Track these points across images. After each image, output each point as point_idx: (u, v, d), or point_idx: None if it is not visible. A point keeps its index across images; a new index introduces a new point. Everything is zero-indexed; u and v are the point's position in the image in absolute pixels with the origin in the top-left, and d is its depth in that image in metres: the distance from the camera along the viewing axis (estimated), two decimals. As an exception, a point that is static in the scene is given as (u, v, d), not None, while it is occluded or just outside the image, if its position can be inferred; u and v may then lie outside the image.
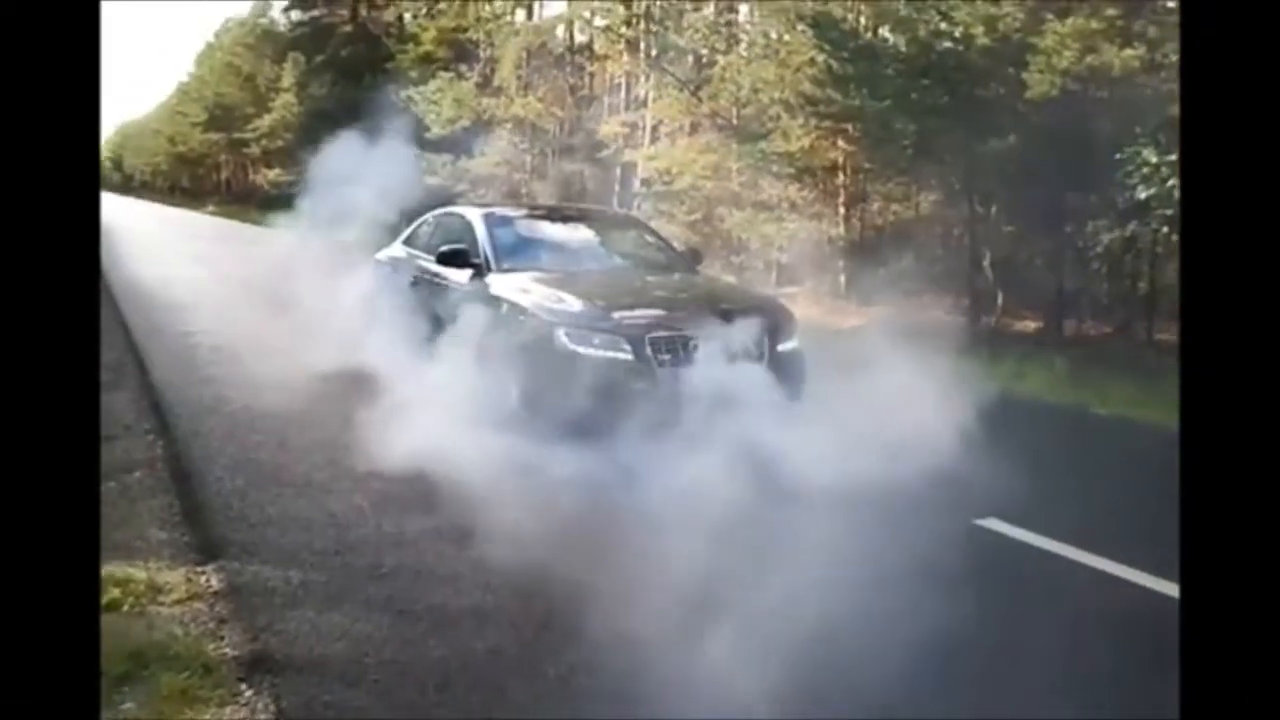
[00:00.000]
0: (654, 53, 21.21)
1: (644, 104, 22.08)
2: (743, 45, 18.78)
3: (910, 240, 15.15)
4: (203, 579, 4.20)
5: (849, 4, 15.79)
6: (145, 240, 25.02)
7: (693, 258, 8.74)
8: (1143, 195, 9.96)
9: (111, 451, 5.83)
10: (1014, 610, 4.18)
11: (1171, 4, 10.69)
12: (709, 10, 20.53)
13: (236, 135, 45.27)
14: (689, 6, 21.25)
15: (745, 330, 6.22)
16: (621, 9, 22.47)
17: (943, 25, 12.54)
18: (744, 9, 19.78)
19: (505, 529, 4.73)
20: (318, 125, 20.61)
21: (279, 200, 21.20)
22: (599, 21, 24.29)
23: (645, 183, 20.41)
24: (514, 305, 6.65)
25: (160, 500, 5.19)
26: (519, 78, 25.38)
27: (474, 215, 8.03)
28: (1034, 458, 5.63)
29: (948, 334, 9.99)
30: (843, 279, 15.94)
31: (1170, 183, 9.32)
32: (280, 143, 38.40)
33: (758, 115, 16.85)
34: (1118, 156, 10.10)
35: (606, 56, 23.98)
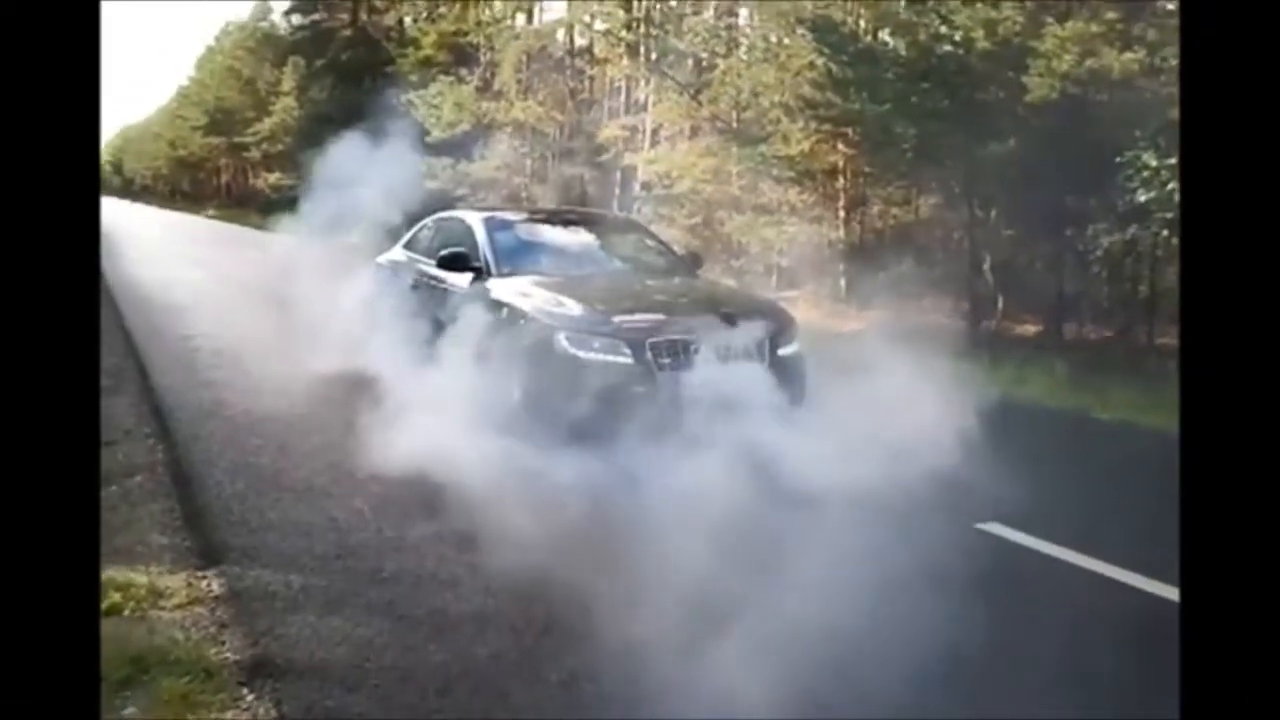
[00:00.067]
0: (654, 56, 21.22)
1: (644, 108, 22.09)
2: (743, 49, 18.79)
3: (910, 244, 15.15)
4: (203, 584, 4.20)
5: (849, 8, 15.80)
6: (146, 244, 25.02)
7: (693, 261, 8.75)
8: (1143, 198, 9.96)
9: (112, 456, 5.84)
10: (1014, 615, 4.17)
11: (1171, 7, 10.70)
12: (709, 14, 20.55)
13: (237, 139, 45.30)
14: (689, 10, 21.28)
15: (746, 334, 6.22)
16: (621, 13, 22.49)
17: (943, 29, 12.55)
18: (744, 13, 19.80)
19: (506, 533, 4.73)
20: (318, 129, 20.62)
21: (279, 204, 21.19)
22: (599, 25, 24.30)
23: (645, 186, 20.41)
24: (514, 309, 6.65)
25: (161, 505, 5.19)
26: (519, 81, 25.39)
27: (474, 219, 8.04)
28: (1035, 462, 5.63)
29: (948, 338, 9.98)
30: (843, 283, 15.94)
31: (1170, 186, 9.32)
32: (280, 147, 38.42)
33: (758, 119, 16.85)
34: (1118, 160, 10.10)
35: (606, 60, 23.98)
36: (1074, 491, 5.79)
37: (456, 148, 22.50)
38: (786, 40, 16.55)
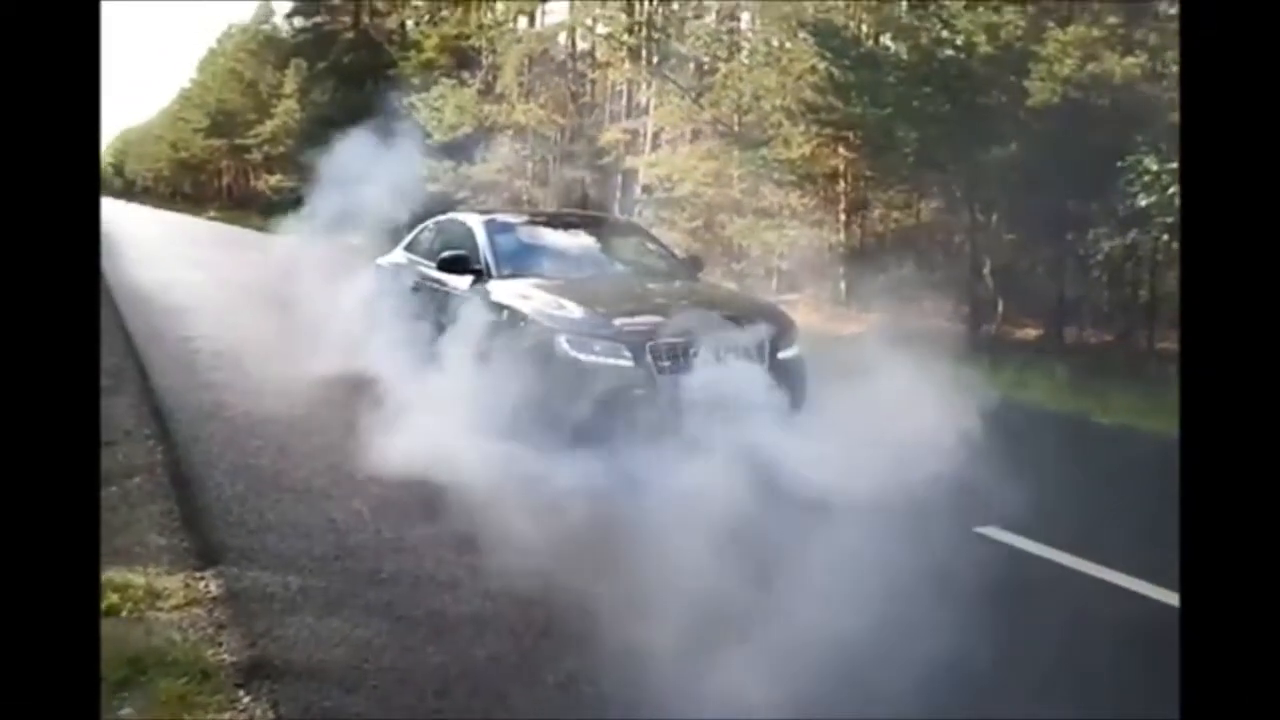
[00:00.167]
0: (655, 60, 21.24)
1: (645, 111, 22.10)
2: (744, 53, 18.81)
3: (911, 248, 15.16)
4: (201, 584, 4.20)
5: (851, 12, 15.81)
6: (146, 245, 25.03)
7: (693, 264, 8.75)
8: (1144, 203, 9.97)
9: (111, 456, 5.84)
10: (1011, 619, 4.16)
11: (1173, 11, 10.70)
12: (710, 18, 20.56)
13: (238, 141, 45.38)
14: (691, 14, 21.30)
15: (746, 337, 6.22)
16: (623, 17, 22.51)
17: (944, 33, 12.56)
18: (745, 16, 19.80)
19: (505, 535, 4.73)
20: (320, 131, 20.66)
21: (280, 206, 21.20)
22: (601, 29, 24.33)
23: (646, 189, 20.42)
24: (515, 312, 6.65)
25: (160, 505, 5.19)
26: (521, 84, 25.41)
27: (475, 221, 8.04)
28: (1034, 466, 5.61)
29: (948, 341, 9.97)
30: (843, 286, 15.94)
31: (1171, 190, 9.32)
32: (282, 149, 38.46)
33: (759, 122, 16.85)
34: (1119, 164, 10.11)
35: (608, 64, 24.01)
36: (1074, 495, 5.78)
37: (458, 150, 22.50)
38: (788, 44, 16.56)
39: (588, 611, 3.99)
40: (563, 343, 6.19)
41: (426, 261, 8.13)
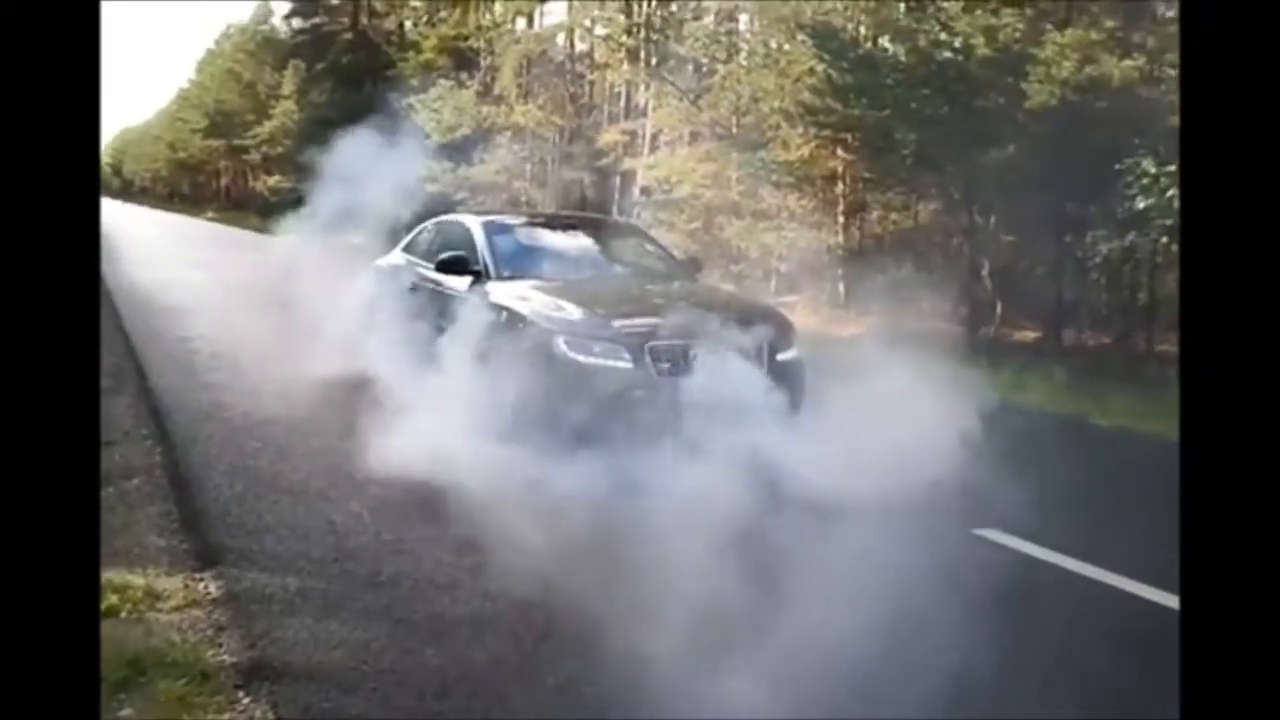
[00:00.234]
0: (654, 61, 21.26)
1: (644, 112, 22.12)
2: (743, 54, 18.81)
3: (909, 249, 15.18)
4: (201, 586, 4.19)
5: (849, 14, 15.82)
6: (145, 246, 25.02)
7: (692, 266, 8.76)
8: (1142, 205, 9.99)
9: (110, 457, 5.83)
10: (1011, 621, 4.16)
11: (1171, 14, 10.72)
12: (709, 20, 20.58)
13: (236, 142, 45.38)
14: (689, 16, 21.31)
15: (744, 339, 6.21)
16: (622, 18, 22.54)
17: (943, 35, 12.59)
18: (744, 18, 19.82)
19: (504, 537, 4.73)
20: (318, 132, 20.67)
21: (279, 207, 21.20)
22: (599, 30, 24.36)
23: (645, 191, 20.43)
24: (513, 313, 6.65)
25: (158, 507, 5.18)
26: (519, 86, 25.44)
27: (474, 223, 8.04)
28: (1034, 468, 5.61)
29: (947, 343, 10.00)
30: (842, 288, 15.96)
31: (1169, 193, 9.34)
32: (280, 149, 38.45)
33: (757, 124, 16.87)
34: (1117, 167, 10.12)
35: (607, 65, 24.02)
36: (1073, 498, 5.78)
37: (456, 151, 22.50)
38: (786, 46, 16.58)
39: (588, 614, 3.99)
40: (561, 344, 6.18)
41: (425, 263, 8.13)
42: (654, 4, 21.94)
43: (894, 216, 17.12)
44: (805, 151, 15.84)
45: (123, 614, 3.85)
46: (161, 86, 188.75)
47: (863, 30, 15.89)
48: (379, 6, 35.55)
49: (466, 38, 27.88)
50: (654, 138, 21.64)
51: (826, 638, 3.60)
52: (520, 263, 7.46)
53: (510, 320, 6.62)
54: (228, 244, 27.49)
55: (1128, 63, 10.75)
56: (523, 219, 9.56)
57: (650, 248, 8.75)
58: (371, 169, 8.67)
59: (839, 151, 15.96)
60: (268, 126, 40.85)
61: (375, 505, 5.28)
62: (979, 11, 11.96)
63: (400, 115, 16.73)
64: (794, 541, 4.69)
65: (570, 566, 4.50)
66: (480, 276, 7.32)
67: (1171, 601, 4.05)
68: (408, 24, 33.74)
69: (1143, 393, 9.15)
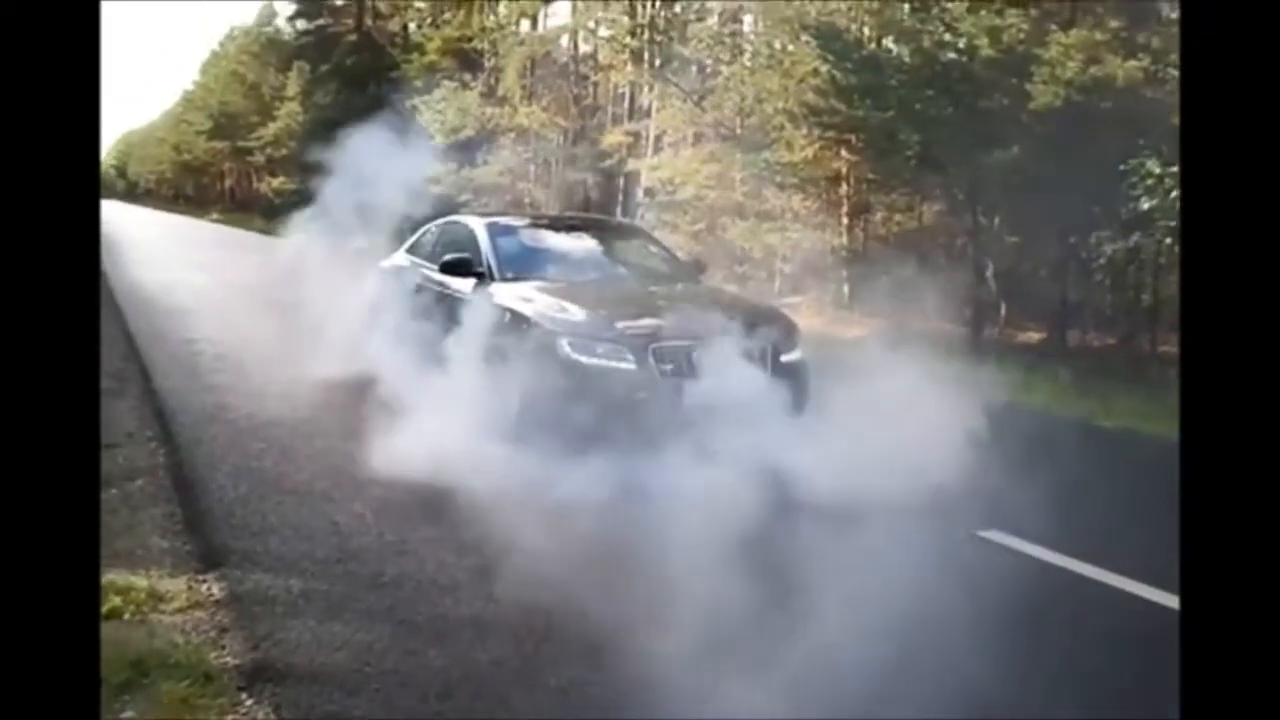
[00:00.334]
0: (658, 63, 21.26)
1: (648, 114, 22.10)
2: (746, 56, 18.81)
3: (914, 251, 15.14)
4: (204, 587, 4.19)
5: (853, 15, 15.82)
6: (149, 247, 25.05)
7: (696, 267, 8.75)
8: (1146, 206, 9.98)
9: (113, 459, 5.83)
10: (1014, 622, 4.15)
11: (1175, 15, 10.70)
12: (713, 21, 20.58)
13: (241, 143, 45.42)
14: (693, 17, 21.31)
15: (748, 341, 6.21)
16: (626, 19, 22.54)
17: (947, 36, 12.58)
18: (748, 19, 19.82)
19: (507, 538, 4.73)
20: (322, 133, 20.71)
21: (283, 208, 21.22)
22: (603, 32, 24.37)
23: (649, 192, 20.43)
24: (517, 314, 6.65)
25: (162, 508, 5.18)
26: (523, 87, 25.44)
27: (477, 224, 8.04)
28: (1037, 470, 5.60)
29: (951, 345, 9.99)
30: (846, 289, 15.95)
31: (1174, 194, 9.32)
32: (284, 151, 38.51)
33: (761, 125, 16.87)
34: (1121, 168, 10.11)
35: (610, 66, 24.03)
36: (1077, 499, 5.76)
37: (460, 153, 22.51)
38: (790, 47, 16.57)
39: (591, 615, 3.99)
40: (565, 345, 6.18)
41: (429, 264, 8.14)
42: (658, 5, 21.94)
43: (898, 217, 17.10)
44: (809, 153, 15.83)
45: (126, 615, 3.85)
46: (166, 88, 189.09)
47: (867, 31, 15.88)
48: (383, 8, 35.61)
49: (470, 39, 27.90)
50: (658, 139, 21.64)
51: (828, 639, 3.60)
52: (524, 264, 7.46)
53: (514, 321, 6.62)
54: (232, 245, 27.51)
55: (1132, 63, 10.73)
56: (526, 220, 9.56)
57: (654, 249, 8.75)
58: (376, 170, 8.67)
59: (843, 152, 15.95)
60: (272, 128, 40.91)
61: (379, 506, 5.28)
62: (983, 12, 11.95)
63: (405, 116, 16.76)
64: (797, 543, 4.68)
65: (573, 568, 4.50)
66: (484, 278, 7.32)
67: (1175, 602, 4.04)
68: (412, 26, 33.80)
69: (1147, 394, 9.13)
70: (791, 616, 3.93)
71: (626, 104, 23.87)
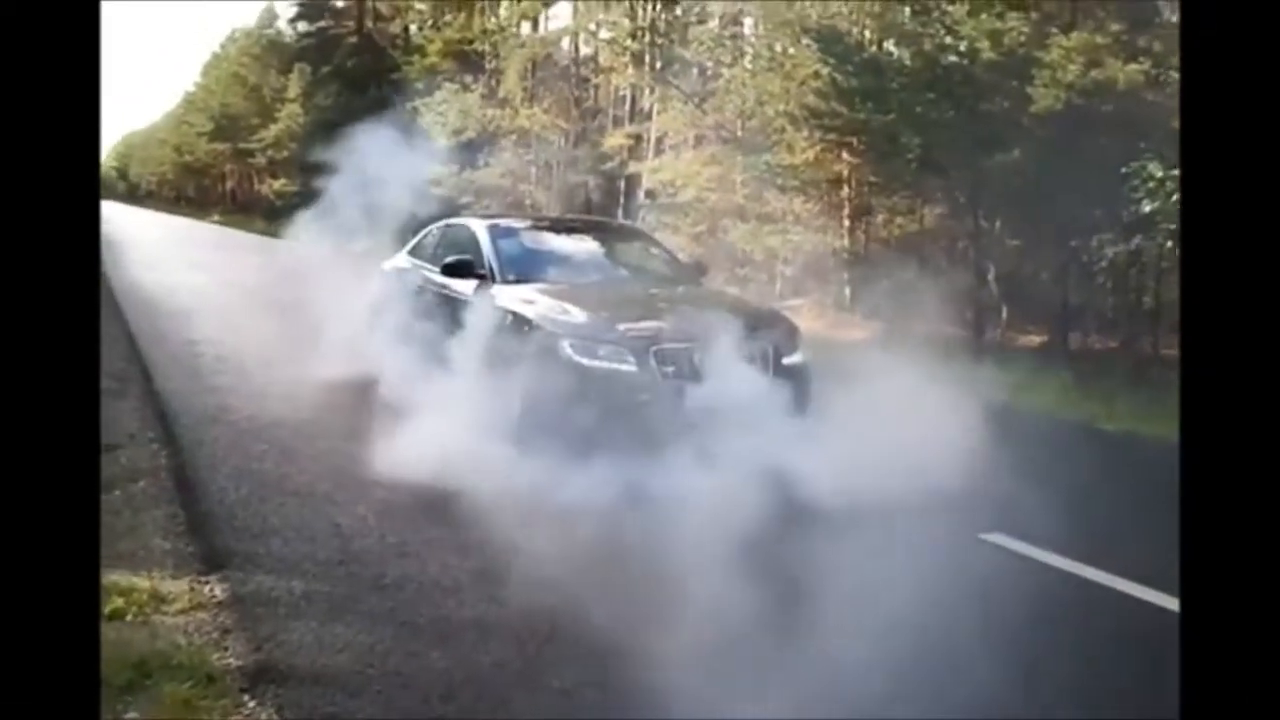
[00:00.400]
0: (659, 65, 21.27)
1: (649, 116, 22.12)
2: (748, 58, 18.81)
3: (915, 253, 15.15)
4: (206, 589, 4.20)
5: (854, 18, 15.82)
6: (150, 249, 25.06)
7: (697, 270, 8.75)
8: (1148, 209, 9.98)
9: (116, 461, 5.84)
10: (1016, 626, 4.16)
11: (1176, 19, 10.70)
12: (713, 23, 20.59)
13: (242, 145, 45.42)
14: (694, 19, 21.32)
15: (750, 343, 6.21)
16: (627, 22, 22.56)
17: (948, 39, 12.58)
18: (748, 22, 19.83)
19: (508, 540, 4.73)
20: (323, 135, 20.71)
21: (284, 210, 21.23)
22: (604, 34, 24.39)
23: (650, 195, 20.44)
24: (518, 316, 6.65)
25: (164, 510, 5.18)
26: (524, 89, 25.46)
27: (479, 226, 8.04)
28: (1040, 472, 5.61)
29: (952, 347, 9.99)
30: (847, 292, 15.94)
31: (1175, 197, 9.31)
32: (285, 153, 38.52)
33: (762, 128, 16.86)
34: (1123, 171, 10.11)
35: (611, 69, 24.04)
36: (1079, 502, 5.76)
37: (462, 154, 22.51)
38: (791, 50, 16.57)
39: (593, 617, 3.99)
40: (566, 347, 6.18)
41: (430, 266, 8.14)
42: (659, 8, 21.96)
43: (899, 220, 17.09)
44: (810, 155, 15.83)
45: (128, 617, 3.86)
46: (167, 90, 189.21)
47: (868, 34, 15.89)
48: (384, 10, 35.67)
49: (471, 41, 27.92)
50: (659, 141, 21.64)
51: (829, 640, 3.60)
52: (525, 266, 7.46)
53: (515, 323, 6.62)
54: (233, 247, 27.52)
55: (1133, 66, 10.73)
56: (528, 222, 9.57)
57: (655, 251, 8.75)
58: (377, 172, 8.68)
59: (844, 155, 15.95)
60: (273, 130, 40.92)
61: (381, 508, 5.28)
62: (984, 15, 11.95)
63: (406, 118, 16.78)
64: (799, 545, 4.69)
65: (575, 570, 4.50)
66: (486, 280, 7.32)
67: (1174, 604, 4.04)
68: (413, 28, 33.84)
69: (1149, 396, 9.13)
70: (792, 618, 3.93)
71: (628, 106, 23.89)
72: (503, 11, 28.02)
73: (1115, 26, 11.20)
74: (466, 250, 7.69)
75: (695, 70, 20.22)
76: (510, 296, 6.94)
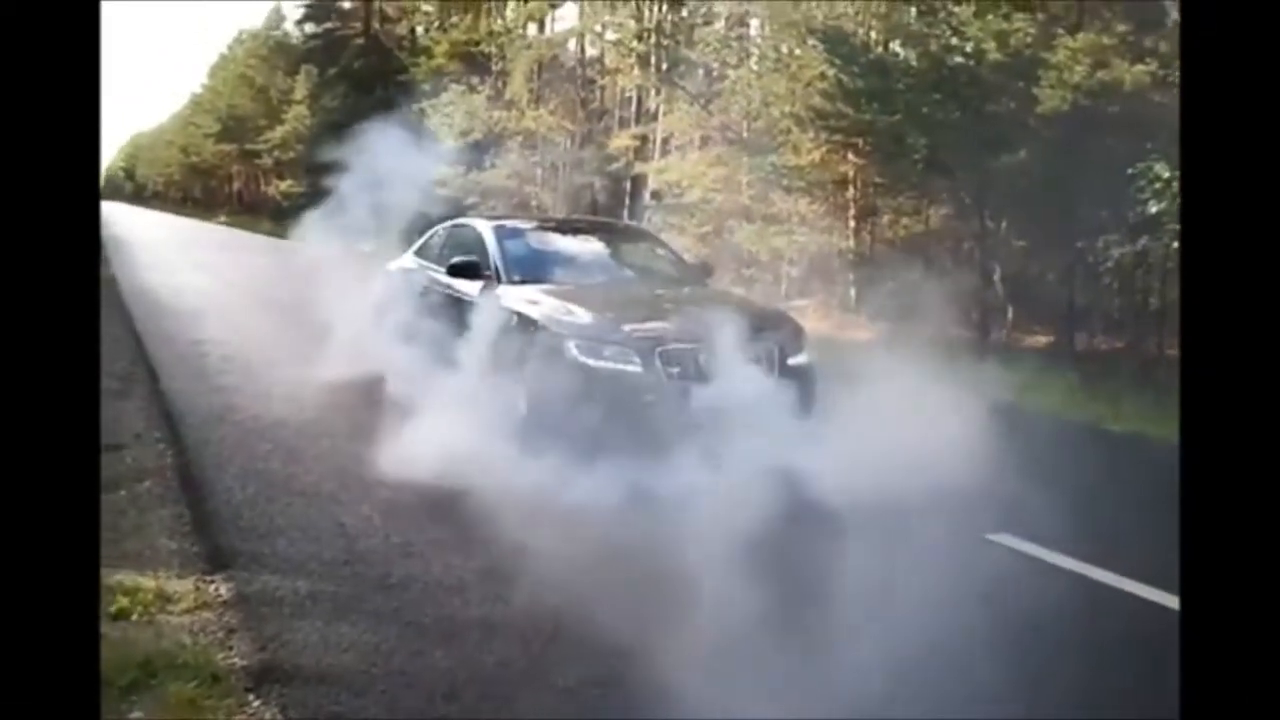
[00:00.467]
0: (665, 66, 21.26)
1: (655, 117, 22.14)
2: (753, 59, 18.81)
3: (921, 254, 15.13)
4: (211, 588, 4.20)
5: (860, 19, 15.81)
6: (157, 249, 25.12)
7: (703, 270, 8.74)
8: (1154, 210, 9.95)
9: (121, 460, 5.85)
10: (1020, 624, 4.15)
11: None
12: (720, 25, 20.59)
13: (249, 146, 45.51)
14: (700, 21, 21.33)
15: (755, 343, 6.21)
16: (633, 23, 22.57)
17: (954, 40, 12.56)
18: (754, 23, 19.83)
19: (513, 540, 4.73)
20: (330, 136, 20.74)
21: (291, 211, 21.26)
22: (610, 35, 24.40)
23: (655, 195, 20.45)
24: (524, 317, 6.65)
25: (169, 509, 5.19)
26: (530, 91, 25.49)
27: (485, 227, 8.05)
28: (1046, 473, 5.60)
29: (958, 348, 9.98)
30: (853, 292, 15.93)
31: (1181, 198, 9.29)
32: (292, 154, 38.60)
33: (768, 129, 16.85)
34: (1129, 171, 10.09)
35: (618, 70, 24.04)
36: (1085, 503, 5.75)
37: (468, 155, 22.54)
38: (797, 51, 16.56)
39: (597, 617, 3.99)
40: (572, 348, 6.18)
41: (436, 267, 8.15)
42: (665, 9, 21.96)
43: (905, 221, 17.07)
44: (816, 156, 15.82)
45: (134, 616, 3.87)
46: (174, 91, 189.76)
47: (874, 35, 15.87)
48: (390, 12, 35.73)
49: (478, 43, 27.96)
50: (665, 142, 21.66)
51: (832, 640, 3.59)
52: (531, 267, 7.47)
53: (521, 324, 6.63)
54: (240, 248, 27.58)
55: (1139, 67, 10.71)
56: (534, 223, 9.57)
57: (661, 252, 8.75)
58: (383, 173, 8.69)
59: (850, 156, 15.94)
60: (280, 131, 40.99)
61: (386, 508, 5.29)
62: (990, 16, 11.94)
63: (412, 120, 16.80)
64: (804, 545, 4.68)
65: (580, 570, 4.50)
66: (491, 281, 7.33)
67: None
68: (419, 29, 33.89)
69: (1155, 397, 9.10)
70: (798, 618, 3.92)
71: (633, 107, 23.91)
72: (509, 13, 28.05)
73: (1122, 27, 11.18)
74: (472, 251, 7.70)
75: (701, 71, 20.22)
76: (516, 297, 6.95)
